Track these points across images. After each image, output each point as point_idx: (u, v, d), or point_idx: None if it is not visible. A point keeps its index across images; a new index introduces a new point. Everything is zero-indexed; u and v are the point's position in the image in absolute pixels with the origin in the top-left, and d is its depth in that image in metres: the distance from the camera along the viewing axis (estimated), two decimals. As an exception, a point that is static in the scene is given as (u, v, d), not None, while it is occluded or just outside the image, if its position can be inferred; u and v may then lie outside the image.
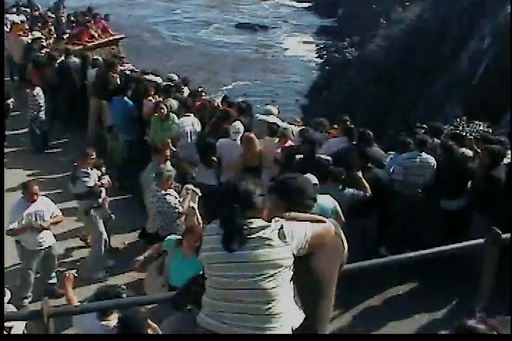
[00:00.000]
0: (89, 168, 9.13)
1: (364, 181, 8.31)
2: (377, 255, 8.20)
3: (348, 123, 10.37)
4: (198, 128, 11.23)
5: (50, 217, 8.43)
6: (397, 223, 9.43)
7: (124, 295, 5.64)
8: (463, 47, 22.98)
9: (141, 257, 7.51)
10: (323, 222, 3.67)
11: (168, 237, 7.40)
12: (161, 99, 12.17)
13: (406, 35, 30.84)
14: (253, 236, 3.36)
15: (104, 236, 9.34)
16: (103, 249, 9.31)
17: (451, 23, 25.74)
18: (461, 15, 25.19)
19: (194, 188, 8.84)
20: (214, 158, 9.99)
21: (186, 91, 13.21)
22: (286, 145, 10.14)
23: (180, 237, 7.18)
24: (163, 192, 8.43)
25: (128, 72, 14.30)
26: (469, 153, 9.29)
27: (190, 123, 11.13)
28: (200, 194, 8.92)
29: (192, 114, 11.28)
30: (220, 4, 62.74)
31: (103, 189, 9.34)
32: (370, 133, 9.60)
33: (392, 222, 9.42)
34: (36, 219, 8.23)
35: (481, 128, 15.67)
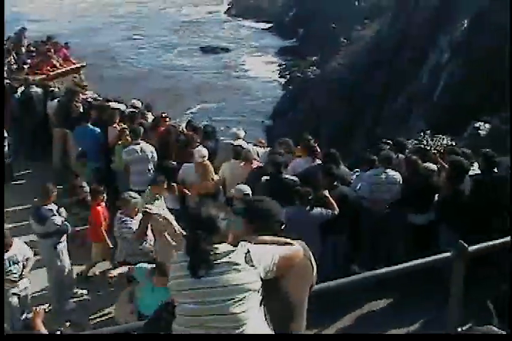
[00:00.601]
0: (52, 205, 9.05)
1: (331, 200, 8.34)
2: (351, 272, 8.23)
3: (311, 142, 10.42)
4: (151, 154, 11.13)
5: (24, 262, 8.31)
6: (367, 240, 9.45)
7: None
8: (423, 61, 23.33)
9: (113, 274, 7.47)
10: (291, 244, 3.69)
11: (139, 265, 7.33)
12: (125, 126, 12.14)
13: (366, 53, 31.20)
14: (219, 261, 3.35)
15: (68, 267, 9.23)
16: (65, 281, 9.19)
17: (409, 38, 26.12)
18: (419, 30, 25.58)
19: (152, 211, 8.66)
20: (173, 184, 9.97)
21: (150, 117, 13.19)
22: (254, 166, 10.16)
23: (151, 266, 7.12)
24: (127, 218, 8.37)
25: (91, 100, 14.25)
26: (434, 167, 9.37)
27: (139, 150, 11.04)
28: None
29: (143, 141, 11.18)
30: (182, 28, 63.01)
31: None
32: (336, 152, 9.66)
33: (363, 239, 9.45)
34: (10, 265, 8.10)
35: (444, 141, 15.85)
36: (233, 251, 3.40)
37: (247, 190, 8.87)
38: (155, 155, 11.09)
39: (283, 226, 3.83)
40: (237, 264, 3.35)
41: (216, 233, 3.43)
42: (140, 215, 8.51)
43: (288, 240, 3.71)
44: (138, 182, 10.77)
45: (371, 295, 8.56)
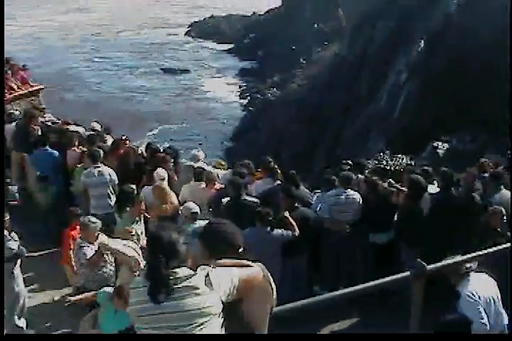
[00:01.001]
0: (5, 231, 8.88)
1: (292, 221, 8.35)
2: (312, 294, 8.22)
3: (271, 164, 10.45)
4: (109, 177, 11.00)
5: None
6: (328, 260, 9.46)
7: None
8: (381, 82, 23.65)
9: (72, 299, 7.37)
10: (250, 266, 3.69)
11: (101, 290, 7.26)
12: (85, 149, 12.01)
13: (326, 74, 31.55)
14: (179, 285, 3.34)
15: (23, 292, 9.03)
16: (16, 309, 8.99)
17: (368, 60, 26.51)
18: (376, 52, 25.99)
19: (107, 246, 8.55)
20: (127, 208, 9.87)
21: (109, 139, 13.08)
22: (215, 188, 10.15)
23: (112, 290, 7.04)
24: (85, 244, 8.26)
25: (49, 124, 14.10)
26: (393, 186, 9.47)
27: (97, 173, 10.90)
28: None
29: (102, 164, 11.02)
30: (142, 50, 63.07)
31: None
32: (295, 173, 9.70)
33: (324, 260, 9.46)
34: None
35: (404, 161, 16.05)
36: (193, 275, 3.39)
37: (195, 208, 8.91)
38: (114, 178, 10.89)
39: (241, 249, 3.81)
40: (197, 288, 3.34)
41: (176, 257, 3.43)
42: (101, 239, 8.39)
43: (247, 262, 3.72)
44: (97, 206, 10.63)
45: (333, 316, 8.54)
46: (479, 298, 5.63)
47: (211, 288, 3.36)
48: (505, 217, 8.04)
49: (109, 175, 10.84)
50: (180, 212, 9.90)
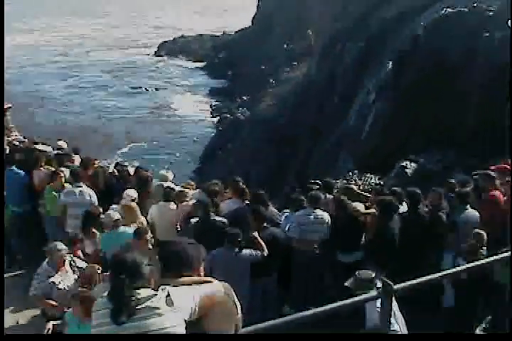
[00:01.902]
0: None
1: (260, 241, 8.33)
2: (281, 314, 8.17)
3: (240, 184, 10.44)
4: (89, 198, 10.91)
5: None
6: (298, 280, 9.45)
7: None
8: (350, 102, 23.85)
9: None
10: (210, 282, 3.72)
11: (66, 313, 7.19)
12: (52, 168, 11.88)
13: (295, 94, 31.75)
14: (141, 306, 3.33)
15: None
16: None
17: (336, 80, 26.74)
18: (345, 72, 26.24)
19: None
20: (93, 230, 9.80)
21: (77, 159, 12.96)
22: (184, 208, 10.10)
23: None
24: (53, 272, 8.12)
25: (16, 143, 13.96)
26: (361, 206, 9.51)
27: (78, 193, 10.79)
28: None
29: (83, 184, 10.98)
30: (113, 69, 63.12)
31: None
32: (264, 193, 9.69)
33: (293, 280, 9.44)
34: None
35: (372, 180, 16.13)
36: (154, 295, 3.38)
37: (116, 215, 8.94)
38: (94, 200, 10.82)
39: (202, 267, 3.87)
40: (158, 308, 3.33)
41: (140, 278, 3.43)
42: (67, 265, 8.28)
43: (207, 278, 3.76)
44: (75, 226, 10.48)
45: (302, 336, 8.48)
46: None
47: (173, 307, 3.36)
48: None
49: (90, 197, 10.75)
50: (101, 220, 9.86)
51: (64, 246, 8.37)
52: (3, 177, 11.18)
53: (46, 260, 8.35)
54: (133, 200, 10.29)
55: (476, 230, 8.29)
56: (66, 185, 11.13)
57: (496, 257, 5.48)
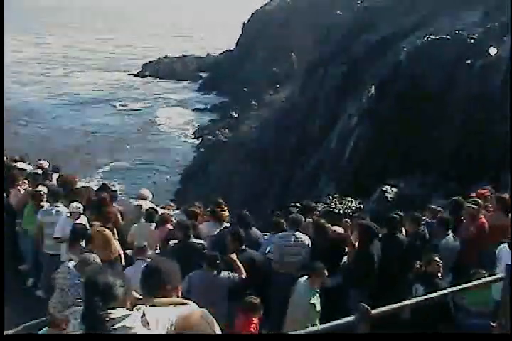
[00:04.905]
0: None
1: (239, 263, 8.29)
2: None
3: (220, 205, 10.43)
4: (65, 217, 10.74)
5: None
6: (277, 303, 9.40)
7: None
8: (331, 126, 23.99)
9: None
10: (186, 304, 3.72)
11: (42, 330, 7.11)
12: (30, 187, 11.75)
13: (277, 116, 31.91)
14: (116, 326, 3.30)
15: None
16: None
17: (319, 103, 26.91)
18: (328, 96, 26.42)
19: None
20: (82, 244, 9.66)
21: (55, 177, 12.80)
22: (165, 229, 10.06)
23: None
24: None
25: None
26: (341, 230, 9.52)
27: (54, 212, 10.60)
28: None
29: (61, 204, 10.83)
30: (97, 88, 63.27)
31: None
32: (247, 214, 9.67)
33: (272, 303, 9.38)
34: None
35: (353, 204, 16.16)
36: (129, 315, 3.36)
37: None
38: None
39: (179, 288, 3.90)
40: (133, 328, 3.31)
41: (113, 300, 3.40)
42: None
43: (183, 300, 3.75)
44: (52, 245, 10.37)
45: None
46: None
47: (148, 327, 3.34)
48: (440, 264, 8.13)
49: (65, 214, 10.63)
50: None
51: None
52: (3, 180, 11.01)
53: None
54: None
55: (434, 257, 8.25)
56: (44, 204, 10.99)
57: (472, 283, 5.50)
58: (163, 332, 3.40)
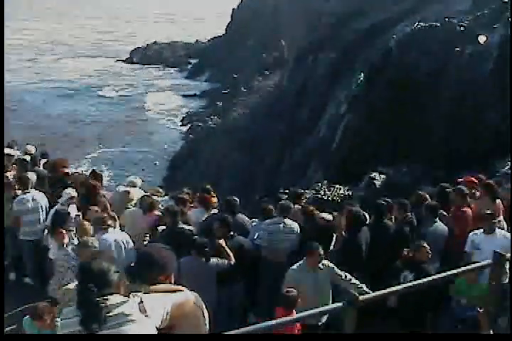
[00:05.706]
0: None
1: (227, 249, 8.30)
2: (247, 323, 8.16)
3: (209, 192, 10.42)
4: (43, 202, 10.66)
5: None
6: (265, 289, 9.42)
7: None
8: (320, 113, 23.95)
9: None
10: (181, 290, 3.72)
11: (25, 319, 7.08)
12: (16, 173, 11.64)
13: (266, 103, 31.84)
14: (112, 313, 3.29)
15: None
16: None
17: (308, 91, 26.85)
18: (317, 83, 26.36)
19: None
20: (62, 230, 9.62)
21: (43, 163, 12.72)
22: (154, 215, 10.04)
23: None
24: None
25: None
26: (330, 217, 9.54)
27: (30, 199, 10.52)
28: None
29: (33, 189, 10.66)
30: (85, 75, 62.96)
31: None
32: (236, 200, 9.64)
33: (261, 289, 9.41)
34: None
35: (341, 191, 16.17)
36: (125, 301, 3.35)
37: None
38: (46, 203, 10.63)
39: (173, 274, 3.87)
40: (131, 315, 3.29)
41: (108, 286, 3.39)
42: None
43: (178, 287, 3.75)
44: (29, 231, 10.35)
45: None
46: None
47: (145, 314, 3.33)
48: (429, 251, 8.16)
49: (41, 200, 10.56)
50: None
51: None
52: (3, 178, 10.91)
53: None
54: (72, 198, 10.15)
55: (422, 243, 8.27)
56: (17, 191, 10.72)
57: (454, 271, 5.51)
58: (160, 319, 3.40)
